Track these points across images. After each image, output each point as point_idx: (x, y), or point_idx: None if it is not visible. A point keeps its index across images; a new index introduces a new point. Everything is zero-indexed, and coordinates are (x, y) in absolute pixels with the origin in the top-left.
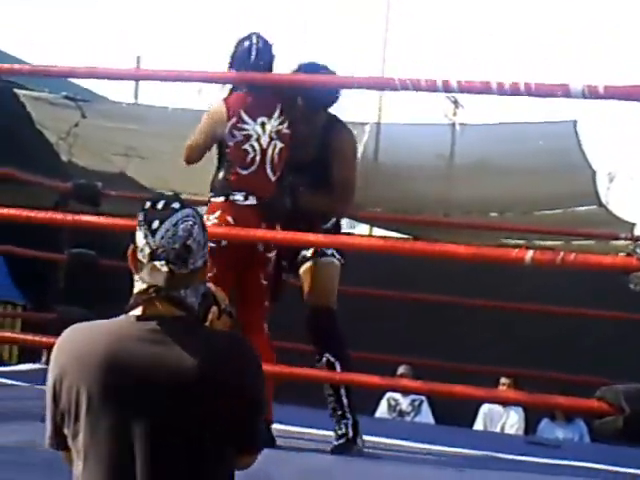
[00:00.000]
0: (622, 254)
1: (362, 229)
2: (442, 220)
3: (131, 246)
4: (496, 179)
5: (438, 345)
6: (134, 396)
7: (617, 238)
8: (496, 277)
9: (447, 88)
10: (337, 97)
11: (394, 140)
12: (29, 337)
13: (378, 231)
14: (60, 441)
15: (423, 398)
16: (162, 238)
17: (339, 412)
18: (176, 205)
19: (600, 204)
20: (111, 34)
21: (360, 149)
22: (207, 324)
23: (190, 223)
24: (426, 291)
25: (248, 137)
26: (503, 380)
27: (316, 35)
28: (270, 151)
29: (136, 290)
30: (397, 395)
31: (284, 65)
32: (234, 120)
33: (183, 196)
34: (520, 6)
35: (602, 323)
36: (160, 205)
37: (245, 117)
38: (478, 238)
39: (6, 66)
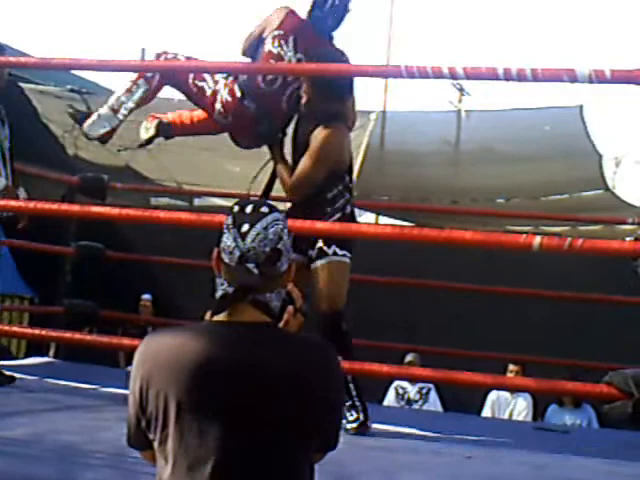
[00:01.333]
0: (629, 238)
1: (368, 218)
2: (448, 208)
3: (215, 249)
4: (502, 165)
5: (445, 333)
6: (224, 402)
7: (624, 223)
8: (503, 264)
9: (453, 75)
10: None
11: (400, 127)
12: (37, 331)
13: (384, 219)
14: (142, 443)
15: (431, 386)
16: (253, 241)
17: (349, 403)
18: (265, 209)
19: (607, 189)
20: (115, 27)
21: (366, 137)
22: (282, 323)
23: (280, 227)
24: (433, 278)
25: (281, 58)
26: (511, 367)
27: None
28: (290, 88)
29: (220, 294)
30: (405, 383)
31: None
32: (280, 33)
33: (186, 187)
34: (523, 9)
35: (610, 308)
36: (249, 209)
37: (290, 42)
38: (485, 225)
39: (12, 59)
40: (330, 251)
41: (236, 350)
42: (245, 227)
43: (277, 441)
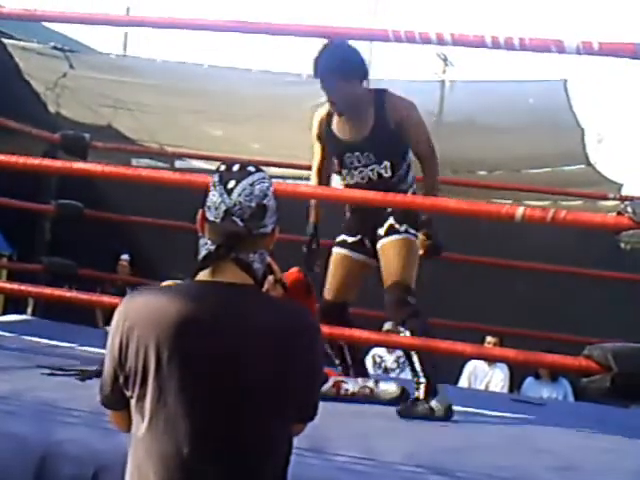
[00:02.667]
0: (611, 214)
1: None
2: None
3: (199, 211)
4: (485, 137)
5: (424, 302)
6: (204, 361)
7: (606, 198)
8: (485, 234)
9: (441, 41)
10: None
11: None
12: (15, 286)
13: None
14: (118, 402)
15: None
16: (239, 195)
17: (414, 376)
18: (252, 168)
19: (588, 164)
20: None
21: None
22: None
23: (266, 185)
24: None
25: None
26: (489, 339)
27: None
28: None
29: (204, 253)
30: (382, 352)
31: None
32: None
33: (169, 149)
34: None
35: (590, 282)
36: (236, 167)
37: None
38: (467, 197)
39: None
40: (402, 229)
41: (218, 309)
42: (231, 183)
43: (255, 403)
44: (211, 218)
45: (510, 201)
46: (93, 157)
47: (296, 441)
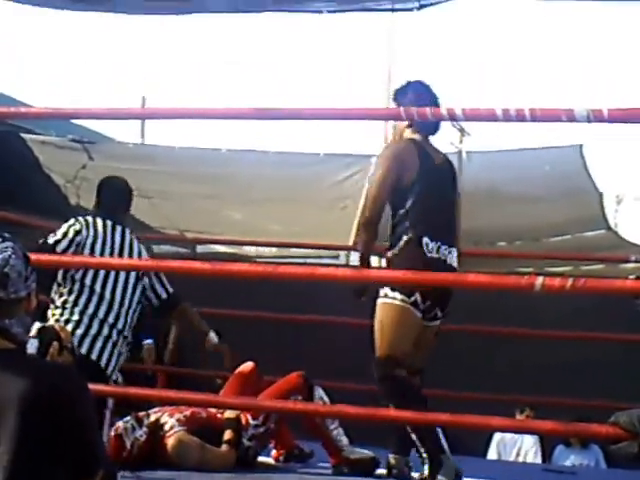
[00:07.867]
0: (631, 277)
1: (373, 261)
2: None
3: None
4: (504, 206)
5: (447, 375)
6: None
7: (627, 261)
8: (508, 305)
9: (452, 116)
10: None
11: None
12: None
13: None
14: None
15: None
16: None
17: (417, 453)
18: None
19: (608, 227)
20: (115, 76)
21: (367, 181)
22: (48, 358)
23: (8, 253)
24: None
25: None
26: (527, 412)
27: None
28: None
29: None
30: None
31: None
32: None
33: (189, 235)
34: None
35: (613, 347)
36: None
37: None
38: (488, 267)
39: (12, 109)
40: (381, 292)
41: None
42: None
43: (27, 465)
44: None
45: (531, 269)
46: None
47: None
